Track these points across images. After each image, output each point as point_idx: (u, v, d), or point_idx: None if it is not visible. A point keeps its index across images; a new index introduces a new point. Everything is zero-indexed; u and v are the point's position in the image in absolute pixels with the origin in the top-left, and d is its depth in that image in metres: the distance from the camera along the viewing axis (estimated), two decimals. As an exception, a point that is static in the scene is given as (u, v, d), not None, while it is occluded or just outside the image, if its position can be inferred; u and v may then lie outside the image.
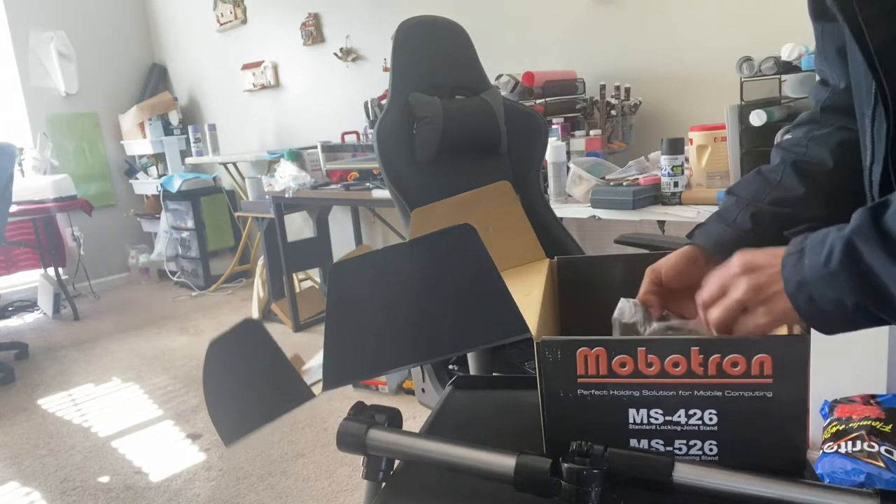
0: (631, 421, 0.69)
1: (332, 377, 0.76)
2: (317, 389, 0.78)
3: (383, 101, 2.26)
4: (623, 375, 0.67)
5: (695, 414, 0.67)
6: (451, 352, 0.74)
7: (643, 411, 0.68)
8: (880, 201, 0.57)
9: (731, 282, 0.66)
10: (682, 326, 0.84)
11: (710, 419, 0.67)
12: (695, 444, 0.69)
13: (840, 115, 0.82)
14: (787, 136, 0.91)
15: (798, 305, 0.61)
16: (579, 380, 0.69)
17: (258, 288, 3.84)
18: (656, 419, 0.68)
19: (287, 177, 3.29)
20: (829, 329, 0.61)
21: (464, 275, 0.72)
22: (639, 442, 0.70)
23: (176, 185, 4.43)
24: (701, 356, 0.65)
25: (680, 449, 0.69)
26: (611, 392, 0.68)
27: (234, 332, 0.79)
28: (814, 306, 0.59)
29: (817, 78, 0.88)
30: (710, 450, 0.69)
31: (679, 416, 0.68)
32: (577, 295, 0.99)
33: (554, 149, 2.17)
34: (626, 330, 0.86)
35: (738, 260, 0.66)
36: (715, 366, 0.65)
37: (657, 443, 0.69)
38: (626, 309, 0.86)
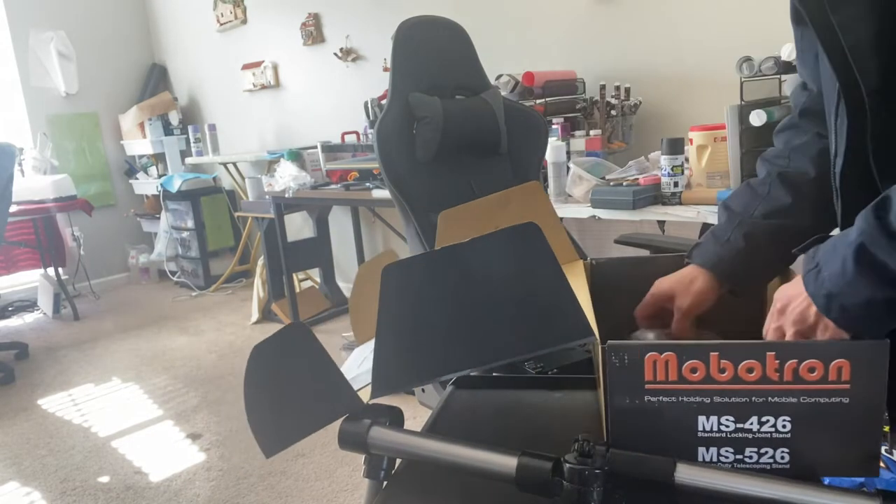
0: (700, 429, 0.67)
1: (383, 383, 0.72)
2: (364, 396, 0.75)
3: (383, 101, 2.26)
4: (694, 381, 0.65)
5: (767, 421, 0.65)
6: (512, 356, 0.70)
7: (713, 419, 0.66)
8: (879, 200, 0.58)
9: (780, 322, 0.68)
10: None
11: (784, 426, 0.65)
12: (766, 452, 0.67)
13: (818, 120, 0.84)
14: (770, 147, 0.93)
15: (834, 318, 0.62)
16: (647, 386, 0.66)
17: (258, 288, 3.84)
18: (727, 427, 0.66)
19: (287, 177, 3.29)
20: (873, 331, 0.62)
21: (526, 275, 0.69)
22: (707, 451, 0.67)
23: (176, 185, 4.43)
24: (777, 361, 0.63)
25: (750, 457, 0.67)
26: (680, 399, 0.66)
27: (279, 337, 0.75)
28: (847, 314, 0.61)
29: (799, 80, 0.90)
30: (782, 458, 0.67)
31: (751, 424, 0.66)
32: (609, 297, 0.96)
33: (554, 149, 2.17)
34: None
35: (776, 297, 0.69)
36: (791, 371, 0.63)
37: (727, 451, 0.67)
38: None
